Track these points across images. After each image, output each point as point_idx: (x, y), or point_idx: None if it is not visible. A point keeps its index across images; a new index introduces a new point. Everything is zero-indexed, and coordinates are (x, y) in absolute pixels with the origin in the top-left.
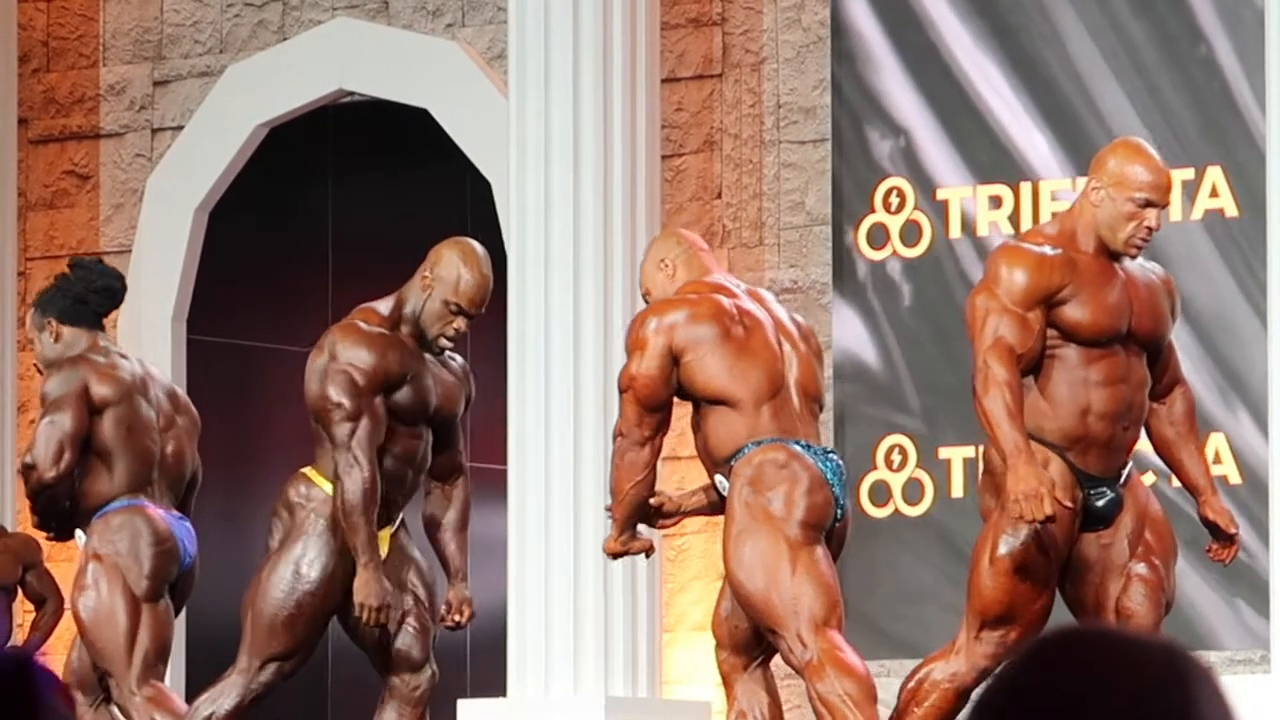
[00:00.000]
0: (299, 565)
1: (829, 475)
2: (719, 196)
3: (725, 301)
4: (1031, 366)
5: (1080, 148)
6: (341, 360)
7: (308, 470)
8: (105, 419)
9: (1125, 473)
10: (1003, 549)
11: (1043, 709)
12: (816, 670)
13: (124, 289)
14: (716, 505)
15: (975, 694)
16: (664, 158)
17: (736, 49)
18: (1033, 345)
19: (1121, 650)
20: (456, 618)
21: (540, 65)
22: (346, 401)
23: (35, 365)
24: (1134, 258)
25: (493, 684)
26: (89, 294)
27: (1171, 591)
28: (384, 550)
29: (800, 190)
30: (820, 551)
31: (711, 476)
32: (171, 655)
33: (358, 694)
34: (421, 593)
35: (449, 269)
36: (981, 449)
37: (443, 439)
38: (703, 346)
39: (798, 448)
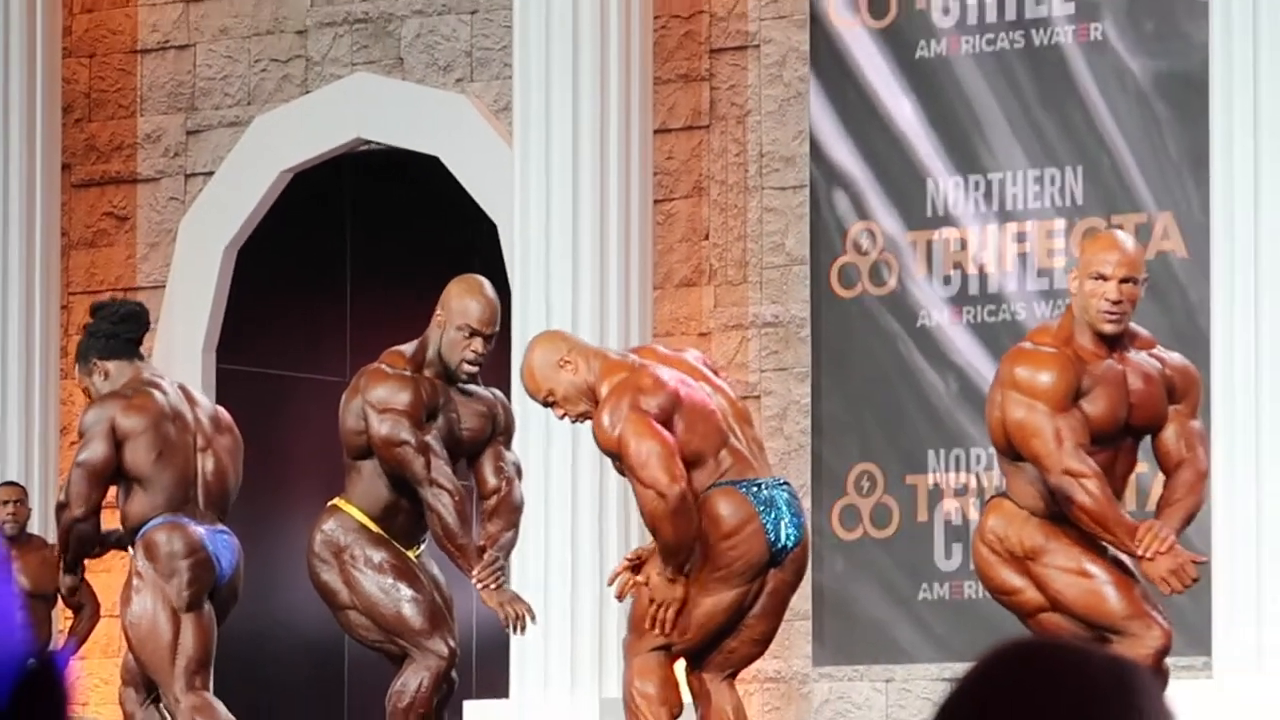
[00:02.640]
0: (380, 580)
1: (782, 507)
2: (706, 238)
3: (655, 372)
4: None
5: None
6: (379, 403)
7: (339, 502)
8: (134, 447)
9: None
10: None
11: (994, 717)
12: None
13: (146, 313)
14: None
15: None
16: (656, 202)
17: (723, 102)
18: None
19: (1069, 662)
20: (485, 571)
21: (542, 117)
22: (408, 436)
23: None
24: (1108, 334)
25: (496, 686)
26: (117, 327)
27: None
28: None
29: (781, 233)
30: (730, 595)
31: None
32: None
33: (374, 681)
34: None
35: (456, 300)
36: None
37: (474, 464)
38: (666, 415)
39: (747, 495)
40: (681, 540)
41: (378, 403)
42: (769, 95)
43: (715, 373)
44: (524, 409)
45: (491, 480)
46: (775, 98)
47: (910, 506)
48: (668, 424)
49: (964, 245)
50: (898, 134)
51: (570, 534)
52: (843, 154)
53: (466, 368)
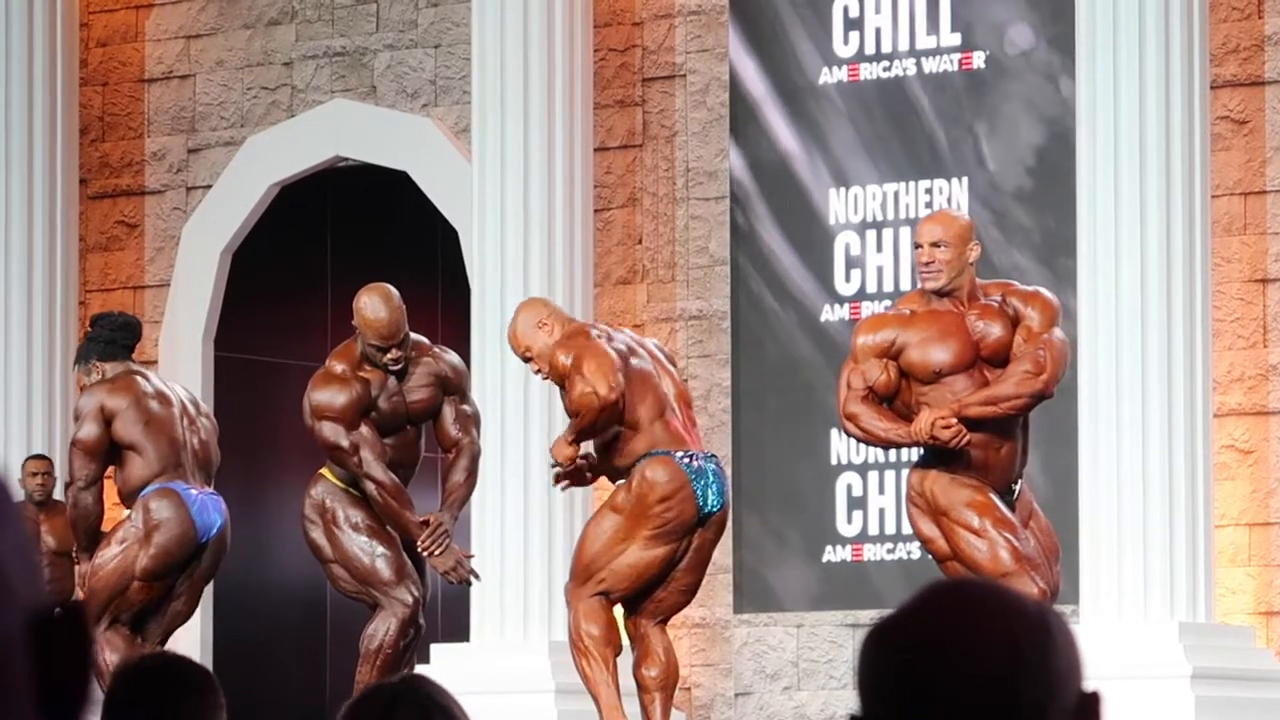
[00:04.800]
0: (357, 539)
1: (710, 476)
2: (640, 242)
3: (615, 351)
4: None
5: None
6: (320, 407)
7: (324, 470)
8: (122, 421)
9: (1016, 488)
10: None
11: (931, 645)
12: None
13: (139, 324)
14: (612, 476)
15: (866, 633)
16: (596, 211)
17: (654, 124)
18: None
19: (999, 600)
20: (429, 540)
21: (498, 137)
22: (344, 441)
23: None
24: (930, 290)
25: (459, 631)
26: (115, 334)
27: (1055, 583)
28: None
29: (705, 237)
30: (663, 550)
31: (610, 471)
32: (199, 612)
33: (352, 626)
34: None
35: (361, 319)
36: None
37: (436, 423)
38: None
39: (681, 464)
40: (595, 431)
41: (317, 408)
42: (694, 118)
43: (669, 359)
44: (481, 376)
45: (452, 433)
46: (700, 120)
47: (817, 478)
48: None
49: (863, 249)
50: (807, 153)
51: (523, 496)
52: (755, 171)
53: (393, 369)
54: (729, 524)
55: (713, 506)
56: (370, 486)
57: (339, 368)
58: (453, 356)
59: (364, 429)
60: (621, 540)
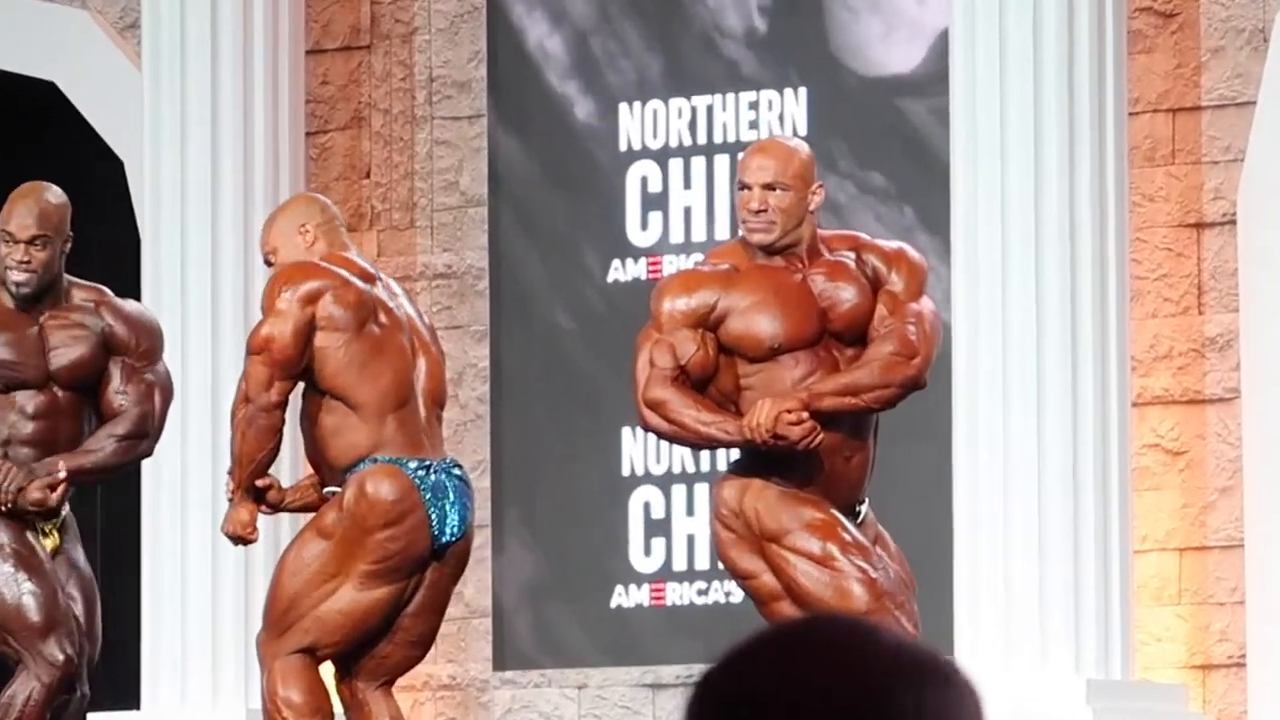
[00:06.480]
0: (1, 567)
1: (450, 494)
2: (368, 176)
3: (367, 291)
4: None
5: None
6: None
7: None
8: None
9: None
10: None
11: (774, 705)
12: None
13: None
14: (316, 506)
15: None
16: (308, 134)
17: (386, 19)
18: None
19: (868, 644)
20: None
21: (175, 35)
22: None
23: None
24: (760, 245)
25: (127, 695)
26: None
27: (917, 623)
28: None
29: (455, 169)
30: (385, 591)
31: (320, 476)
32: None
33: None
34: (80, 609)
35: (2, 210)
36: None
37: (87, 395)
38: (339, 332)
39: (414, 476)
40: (244, 451)
41: None
42: (439, 11)
43: (434, 339)
44: (183, 385)
45: (115, 401)
46: (446, 14)
47: (604, 492)
48: (331, 338)
49: (665, 184)
50: (588, 58)
51: (211, 515)
52: (519, 81)
53: (14, 277)
54: (484, 555)
55: (452, 534)
56: None
57: None
58: (134, 306)
59: None
60: (330, 577)
